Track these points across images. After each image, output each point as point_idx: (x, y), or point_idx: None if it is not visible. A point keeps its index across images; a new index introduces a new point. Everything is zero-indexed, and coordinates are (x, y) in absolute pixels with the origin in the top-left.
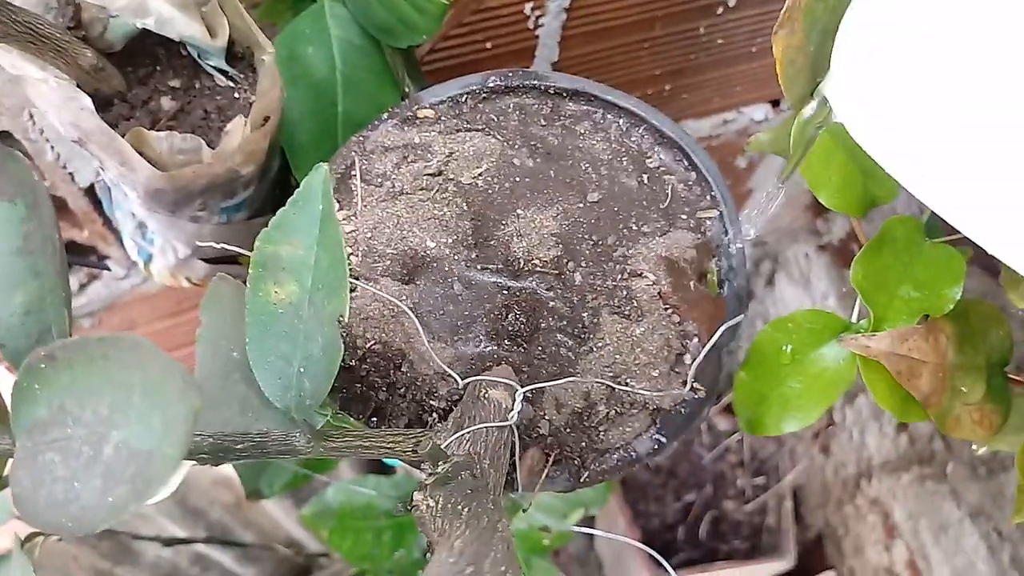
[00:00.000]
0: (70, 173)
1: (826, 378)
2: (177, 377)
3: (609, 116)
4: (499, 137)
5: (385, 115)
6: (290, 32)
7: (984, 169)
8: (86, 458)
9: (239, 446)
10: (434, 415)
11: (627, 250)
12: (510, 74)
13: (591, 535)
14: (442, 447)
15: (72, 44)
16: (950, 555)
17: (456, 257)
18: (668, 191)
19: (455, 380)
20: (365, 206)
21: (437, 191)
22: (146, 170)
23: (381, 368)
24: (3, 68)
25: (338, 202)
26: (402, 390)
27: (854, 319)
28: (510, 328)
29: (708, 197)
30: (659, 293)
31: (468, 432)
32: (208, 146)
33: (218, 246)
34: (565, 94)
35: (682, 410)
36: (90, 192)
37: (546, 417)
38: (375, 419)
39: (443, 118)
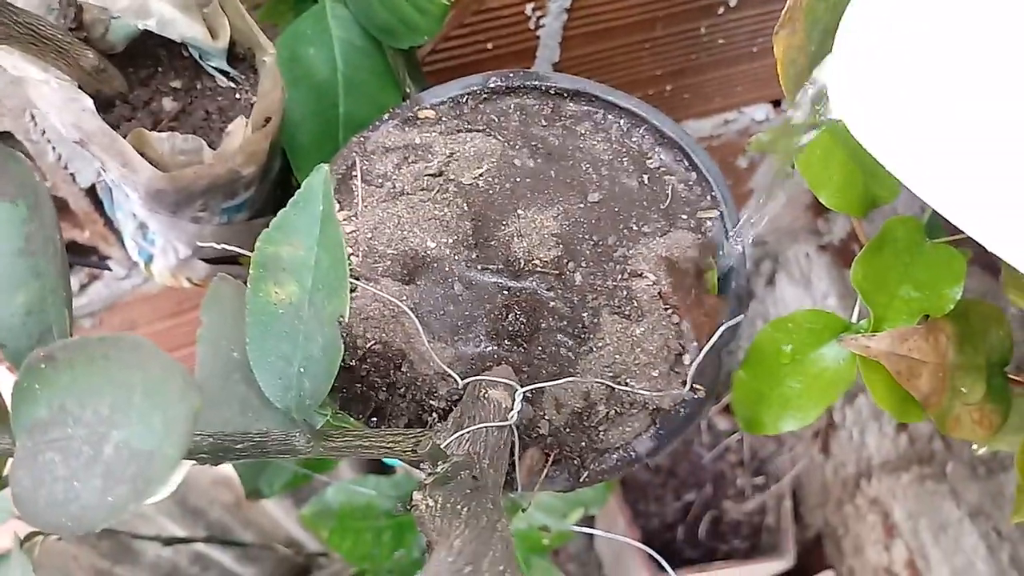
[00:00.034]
0: (71, 174)
1: (826, 378)
2: (178, 377)
3: (610, 116)
4: (500, 137)
5: (386, 116)
6: (291, 33)
7: (984, 165)
8: (86, 458)
9: (239, 446)
10: (434, 415)
11: (627, 250)
12: (511, 75)
13: (591, 535)
14: (442, 447)
15: (74, 45)
16: (949, 555)
17: (456, 257)
18: (668, 191)
19: (455, 380)
20: (366, 206)
21: (438, 191)
22: (147, 171)
23: (381, 368)
24: (5, 69)
25: (339, 203)
26: (402, 390)
27: (854, 319)
28: (510, 328)
29: (708, 197)
30: (659, 293)
31: (468, 432)
32: (209, 147)
33: (219, 247)
34: (566, 94)
35: (682, 410)
36: (91, 193)
37: (546, 417)
38: (375, 419)
39: (444, 119)
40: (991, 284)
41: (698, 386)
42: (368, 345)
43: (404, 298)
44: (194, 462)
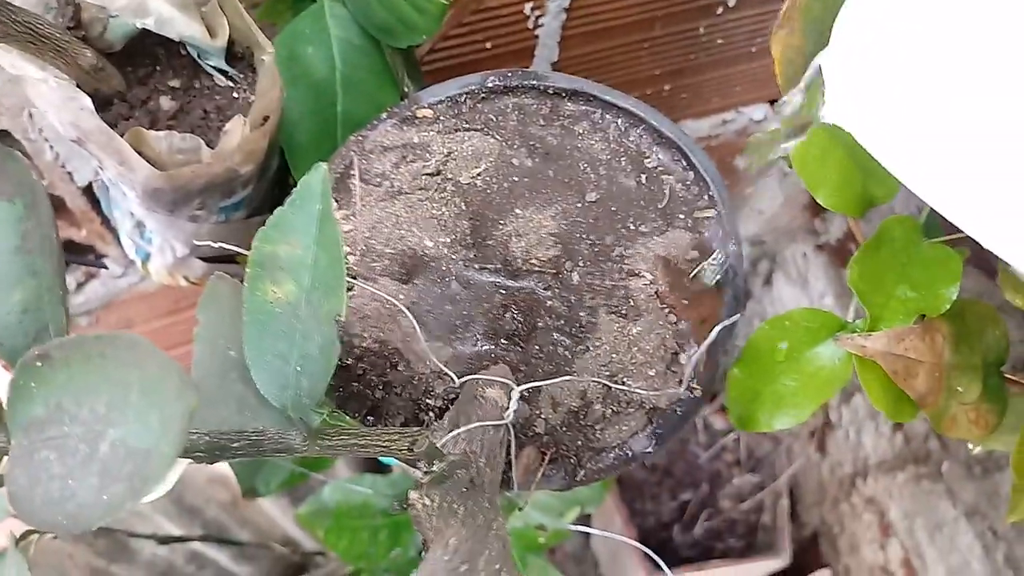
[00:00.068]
0: (69, 172)
1: (821, 377)
2: (174, 375)
3: (608, 116)
4: (498, 137)
5: (384, 115)
6: (290, 32)
7: (981, 164)
8: (83, 456)
9: (235, 444)
10: (431, 414)
11: (625, 250)
12: (509, 74)
13: (587, 533)
14: (438, 446)
15: (72, 44)
16: (945, 554)
17: (454, 256)
18: (666, 191)
19: (452, 379)
20: (364, 205)
21: (436, 191)
22: (145, 169)
23: (378, 367)
24: (3, 68)
25: (336, 201)
26: (399, 389)
27: (850, 318)
28: (507, 327)
29: (706, 197)
30: (656, 293)
31: (464, 431)
32: (207, 146)
33: (216, 245)
34: (564, 94)
35: (678, 409)
36: (88, 191)
37: (542, 416)
38: (371, 418)
39: (442, 118)
40: (988, 284)
41: (695, 385)
42: (365, 344)
43: (401, 297)
44: (190, 460)
